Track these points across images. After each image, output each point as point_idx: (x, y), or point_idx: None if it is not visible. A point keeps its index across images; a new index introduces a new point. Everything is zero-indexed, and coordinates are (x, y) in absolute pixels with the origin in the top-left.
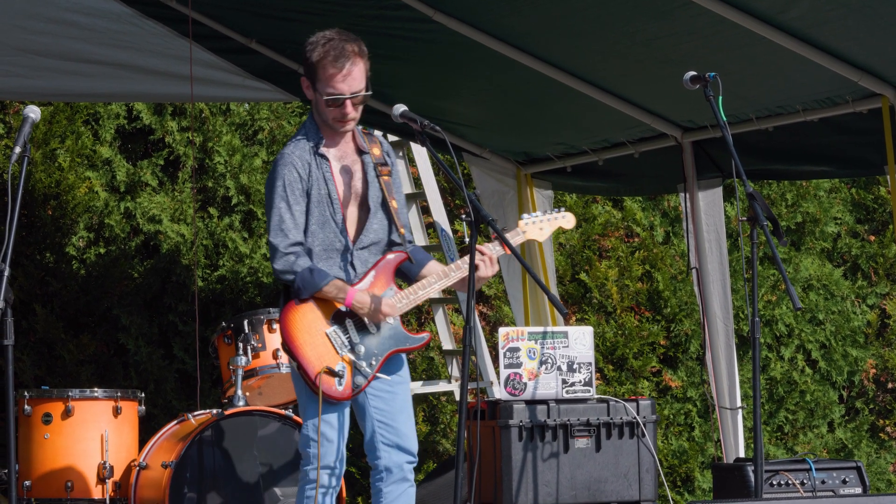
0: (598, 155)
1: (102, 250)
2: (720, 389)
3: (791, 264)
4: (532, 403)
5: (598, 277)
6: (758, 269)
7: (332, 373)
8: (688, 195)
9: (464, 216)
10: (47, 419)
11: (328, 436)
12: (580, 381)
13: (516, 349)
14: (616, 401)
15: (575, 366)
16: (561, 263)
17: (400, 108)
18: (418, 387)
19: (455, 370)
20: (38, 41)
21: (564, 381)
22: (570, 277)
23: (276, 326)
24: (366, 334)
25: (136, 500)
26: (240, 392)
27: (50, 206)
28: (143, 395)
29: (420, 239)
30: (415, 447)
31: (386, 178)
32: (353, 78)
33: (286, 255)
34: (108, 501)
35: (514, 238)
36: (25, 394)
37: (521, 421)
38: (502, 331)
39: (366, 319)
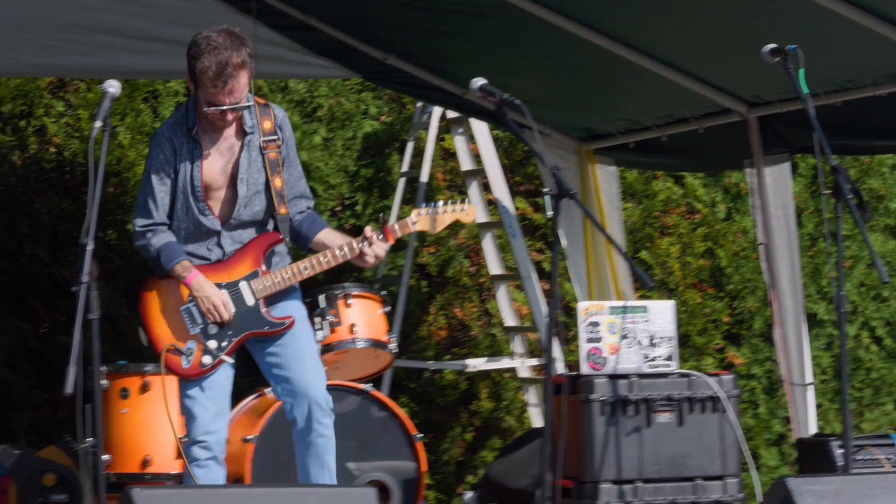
0: (662, 131)
1: None
2: (790, 366)
3: (856, 241)
4: (614, 378)
5: (660, 255)
6: (821, 247)
7: (177, 351)
8: (754, 171)
9: (546, 190)
10: (124, 394)
11: (192, 411)
12: (661, 356)
13: (596, 324)
14: (698, 375)
15: (656, 340)
16: (623, 241)
17: (478, 81)
18: (481, 363)
19: (517, 346)
20: (99, 18)
21: (646, 356)
22: (631, 254)
23: (351, 302)
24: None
25: None
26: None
27: (111, 183)
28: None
29: (481, 216)
30: (314, 392)
31: (273, 153)
32: (234, 92)
33: (143, 233)
34: (184, 476)
35: (402, 228)
36: (102, 368)
37: (602, 395)
38: (582, 305)
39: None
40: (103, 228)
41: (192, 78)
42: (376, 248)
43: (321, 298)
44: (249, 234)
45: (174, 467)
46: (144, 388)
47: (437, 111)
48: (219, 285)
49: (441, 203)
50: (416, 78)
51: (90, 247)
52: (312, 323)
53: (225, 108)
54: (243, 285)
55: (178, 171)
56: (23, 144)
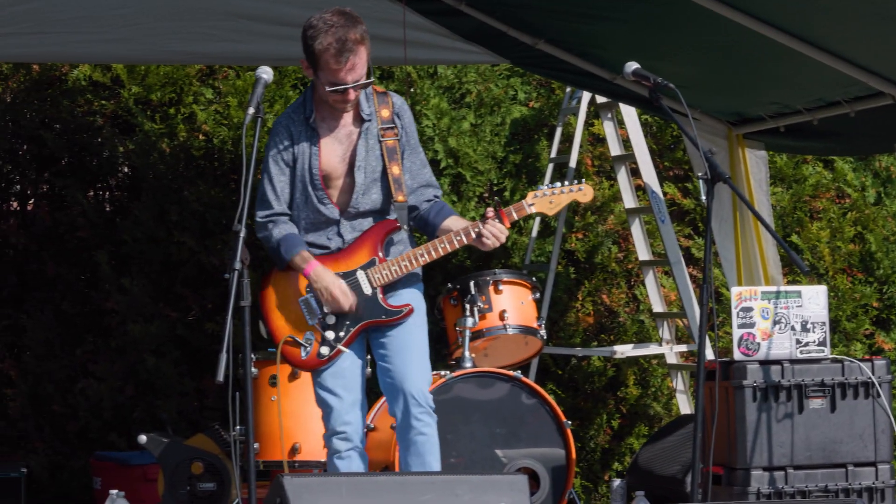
0: (813, 114)
1: None
2: None
3: None
4: (766, 364)
5: (810, 239)
6: None
7: (295, 342)
8: None
9: (700, 175)
10: (273, 381)
11: (328, 402)
12: (814, 341)
13: (749, 309)
14: (851, 361)
15: (809, 325)
16: (773, 225)
17: (632, 65)
18: (629, 350)
19: (665, 333)
20: (249, 6)
21: (798, 341)
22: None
23: (502, 288)
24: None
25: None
26: (467, 353)
27: (260, 170)
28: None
29: (629, 201)
30: (413, 389)
31: (390, 142)
32: (355, 69)
33: (265, 223)
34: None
35: (518, 211)
36: (252, 356)
37: (755, 381)
38: (735, 290)
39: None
40: (251, 216)
41: (310, 62)
42: (491, 228)
43: (471, 285)
44: (368, 222)
45: (323, 455)
46: (294, 376)
47: (586, 96)
48: (336, 275)
49: (557, 184)
50: (565, 63)
51: (242, 233)
52: (462, 309)
53: (348, 86)
54: (360, 274)
55: (297, 160)
56: (172, 132)
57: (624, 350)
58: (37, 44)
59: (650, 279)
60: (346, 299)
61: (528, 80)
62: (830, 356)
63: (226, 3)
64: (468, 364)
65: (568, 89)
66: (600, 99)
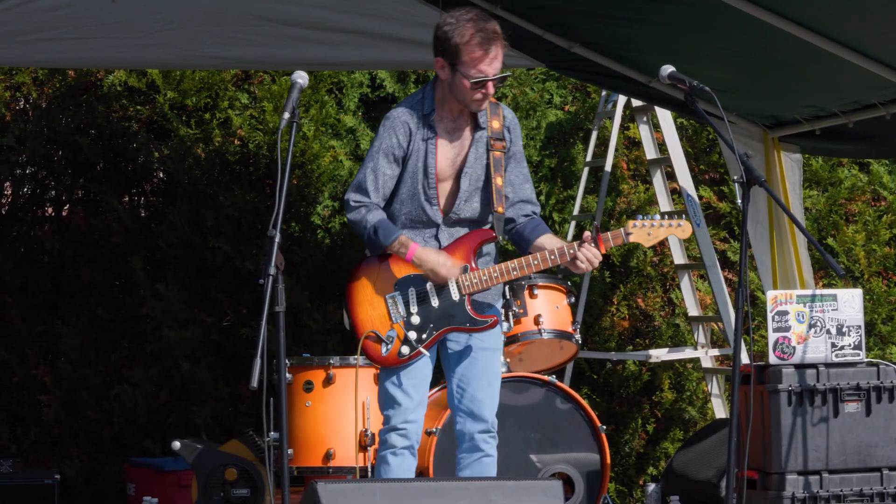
0: (849, 117)
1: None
2: None
3: None
4: (801, 367)
5: (846, 242)
6: None
7: (378, 338)
8: None
9: (736, 178)
10: (308, 387)
11: (396, 397)
12: (849, 345)
13: (785, 312)
14: (886, 364)
15: (844, 329)
16: (808, 228)
17: (668, 69)
18: (664, 354)
19: (700, 336)
20: (284, 10)
21: (833, 345)
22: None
23: (537, 292)
24: (426, 306)
25: None
26: (502, 358)
27: (295, 175)
28: None
29: (665, 204)
30: (490, 416)
31: (497, 153)
32: (497, 59)
33: (357, 208)
34: (369, 469)
35: (614, 238)
36: (287, 362)
37: (790, 385)
38: (771, 294)
39: (429, 289)
40: (287, 221)
41: (449, 57)
42: (586, 252)
43: (506, 289)
44: (464, 231)
45: (357, 461)
46: (328, 381)
47: (621, 100)
48: (426, 277)
49: (658, 216)
50: (600, 66)
51: (277, 238)
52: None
53: (489, 78)
54: (451, 282)
55: (411, 156)
56: (207, 137)
57: (659, 354)
58: (72, 49)
59: (685, 283)
60: (453, 272)
61: (563, 84)
62: (866, 360)
63: (260, 8)
64: (503, 369)
65: (603, 93)
66: (636, 102)
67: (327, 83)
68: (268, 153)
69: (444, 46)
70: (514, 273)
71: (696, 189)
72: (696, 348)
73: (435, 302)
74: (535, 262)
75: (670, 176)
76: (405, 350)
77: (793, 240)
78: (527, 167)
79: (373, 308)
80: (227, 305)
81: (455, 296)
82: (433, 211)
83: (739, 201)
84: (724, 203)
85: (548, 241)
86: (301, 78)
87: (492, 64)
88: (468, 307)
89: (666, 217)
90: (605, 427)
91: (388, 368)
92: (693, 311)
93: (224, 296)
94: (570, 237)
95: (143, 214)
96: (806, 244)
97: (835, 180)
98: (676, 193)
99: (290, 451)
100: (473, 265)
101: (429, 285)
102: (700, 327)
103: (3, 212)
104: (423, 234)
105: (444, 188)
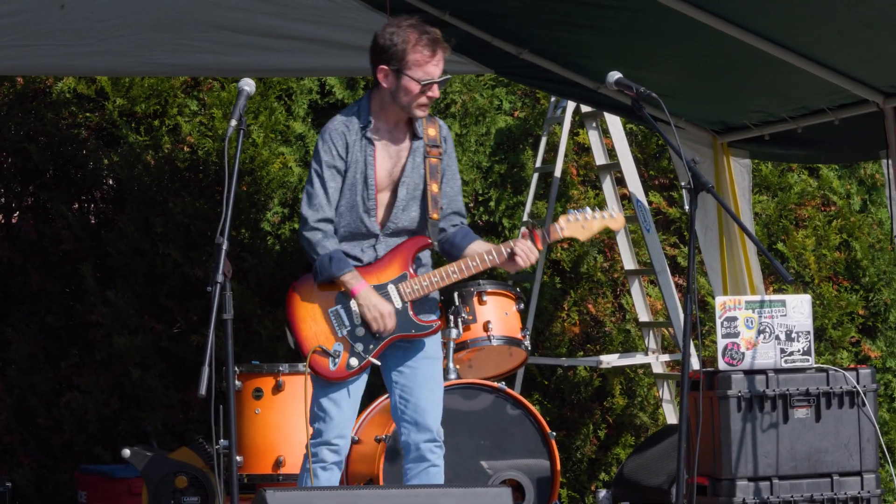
0: (797, 122)
1: (297, 226)
2: None
3: None
4: (750, 373)
5: (796, 247)
6: None
7: (325, 353)
8: (891, 162)
9: (684, 184)
10: (258, 394)
11: (330, 412)
12: (799, 350)
13: (734, 318)
14: (836, 370)
15: (793, 335)
16: (757, 233)
17: (615, 75)
18: (615, 359)
19: (651, 342)
20: (232, 17)
21: (783, 351)
22: (766, 247)
23: (486, 299)
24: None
25: (349, 475)
26: (451, 365)
27: (245, 181)
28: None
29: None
30: (434, 425)
31: (434, 159)
32: (442, 63)
33: (314, 230)
34: (302, 477)
35: (551, 233)
36: (236, 369)
37: (739, 391)
38: (719, 300)
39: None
40: (237, 227)
41: (395, 62)
42: (522, 246)
43: (455, 296)
44: (401, 241)
45: None
46: (278, 389)
47: (570, 106)
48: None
49: (589, 209)
50: (550, 73)
51: (225, 246)
52: (446, 321)
53: (438, 80)
54: (391, 288)
55: (349, 168)
56: (156, 144)
57: (610, 360)
58: (21, 56)
59: (636, 288)
60: (392, 321)
61: (512, 90)
62: (815, 365)
63: (210, 15)
64: (452, 375)
65: (553, 99)
66: (585, 108)
67: (276, 90)
68: (217, 160)
69: (389, 53)
70: (454, 276)
71: (646, 194)
72: (646, 354)
73: None
74: (474, 264)
75: (620, 181)
76: (354, 362)
77: (742, 245)
78: (460, 181)
79: (316, 324)
80: (177, 312)
81: (398, 304)
82: (371, 222)
83: (687, 207)
84: (674, 208)
85: (480, 246)
86: (248, 85)
87: (438, 65)
88: (411, 313)
89: (597, 209)
90: (554, 433)
91: (328, 383)
92: (644, 316)
93: (174, 303)
94: None
95: (92, 221)
96: (756, 250)
97: (784, 185)
98: (626, 199)
99: (240, 458)
100: (412, 272)
101: None
102: (651, 333)
103: None
104: (361, 245)
105: (383, 199)
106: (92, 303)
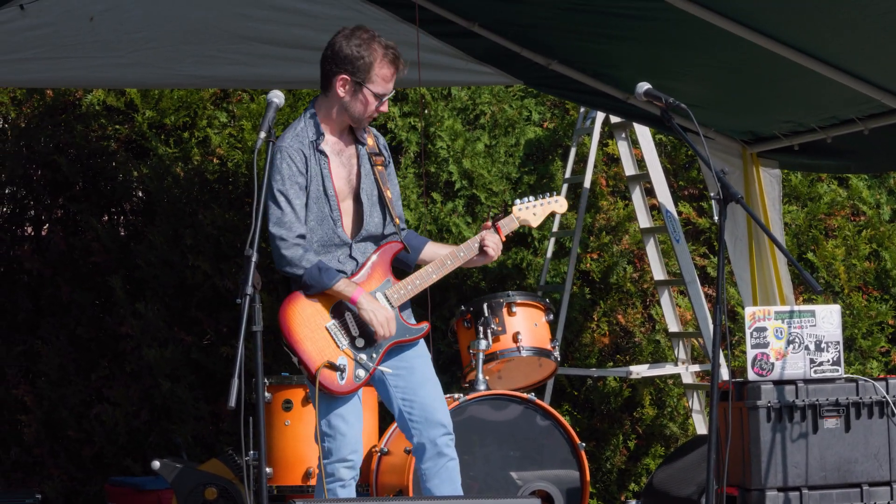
0: (827, 132)
1: None
2: None
3: None
4: (780, 384)
5: (825, 257)
6: None
7: (332, 367)
8: None
9: (713, 195)
10: (287, 406)
11: (340, 429)
12: (828, 361)
13: (763, 329)
14: (865, 380)
15: (823, 345)
16: (787, 244)
17: (644, 85)
18: (644, 370)
19: (681, 352)
20: (262, 29)
21: (812, 361)
22: (796, 257)
23: (515, 310)
24: (366, 327)
25: (378, 486)
26: (481, 376)
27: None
28: None
29: (644, 220)
30: (445, 418)
31: (380, 167)
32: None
33: (295, 246)
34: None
35: (509, 224)
36: (266, 380)
37: (769, 402)
38: (749, 310)
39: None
40: (266, 240)
41: (359, 75)
42: (491, 238)
43: (485, 307)
44: (371, 246)
45: None
46: (308, 400)
47: (600, 116)
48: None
49: (533, 197)
50: (579, 83)
51: (254, 258)
52: (475, 332)
53: (391, 94)
54: (379, 295)
55: (311, 182)
56: (186, 156)
57: (640, 370)
58: (50, 69)
59: (665, 299)
60: (394, 325)
61: (542, 101)
62: (845, 376)
63: (239, 27)
64: (482, 387)
65: (582, 109)
66: (614, 119)
67: (305, 101)
68: (247, 171)
69: (354, 64)
70: (435, 277)
71: (676, 205)
72: (676, 364)
73: None
74: (451, 262)
75: (649, 192)
76: (361, 373)
77: (772, 255)
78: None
79: (316, 340)
80: (207, 324)
81: (389, 309)
82: (340, 231)
83: (717, 218)
84: (703, 219)
85: (437, 246)
86: (277, 97)
87: (393, 81)
88: (402, 318)
89: (544, 195)
90: (584, 444)
91: (334, 400)
92: (673, 326)
93: (204, 314)
94: (549, 253)
95: (122, 233)
96: (786, 260)
97: (814, 195)
98: (655, 209)
99: (269, 469)
100: (394, 277)
101: None
102: (680, 343)
103: None
104: (337, 255)
105: (346, 207)
106: (122, 315)
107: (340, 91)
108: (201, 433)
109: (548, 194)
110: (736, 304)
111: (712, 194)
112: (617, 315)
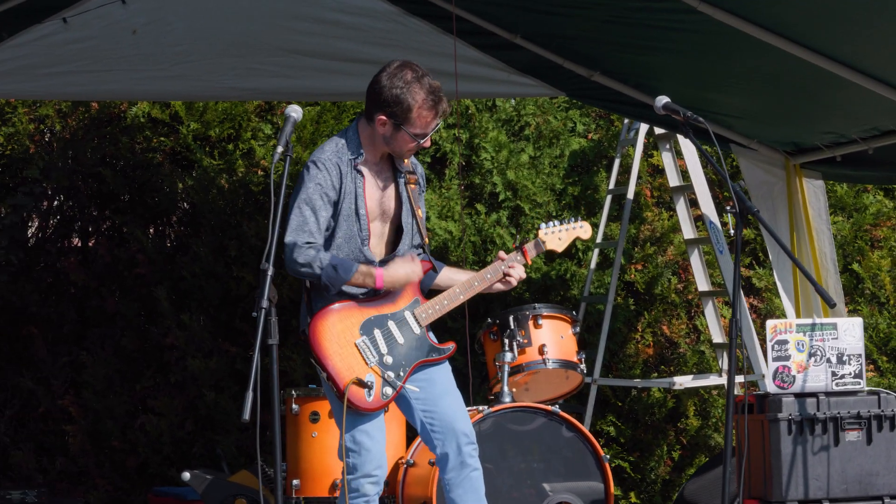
0: (868, 143)
1: None
2: None
3: None
4: (801, 396)
5: (871, 268)
6: None
7: (361, 383)
8: None
9: (729, 208)
10: (315, 418)
11: (365, 445)
12: (850, 374)
13: (784, 342)
14: (887, 393)
15: (844, 357)
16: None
17: (662, 99)
18: (688, 381)
19: (725, 364)
20: (305, 41)
21: (834, 374)
22: (842, 268)
23: (541, 322)
24: (394, 345)
25: (404, 498)
26: (506, 388)
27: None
28: None
29: (688, 232)
30: (468, 427)
31: (412, 185)
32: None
33: (307, 249)
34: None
35: (535, 248)
36: (293, 392)
37: (790, 414)
38: (770, 323)
39: (391, 328)
40: (282, 243)
41: (398, 116)
42: (518, 271)
43: (511, 319)
44: None
45: None
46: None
47: (643, 127)
48: (385, 316)
49: (558, 222)
50: (621, 94)
51: (270, 272)
52: (501, 344)
53: (431, 132)
54: (408, 314)
55: (343, 199)
56: (230, 168)
57: (684, 381)
58: (95, 82)
59: (710, 310)
60: (418, 267)
61: (586, 112)
62: (866, 388)
63: (281, 39)
64: (507, 399)
65: (626, 121)
66: (658, 130)
67: (350, 113)
68: (290, 183)
69: (395, 108)
70: (462, 298)
71: (720, 216)
72: (720, 375)
73: (400, 339)
74: (478, 284)
75: (693, 203)
76: (388, 391)
77: (815, 266)
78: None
79: (345, 357)
80: (251, 335)
81: (416, 329)
82: (367, 251)
83: (732, 231)
84: (748, 230)
85: (454, 272)
86: (295, 112)
87: (436, 121)
88: (429, 337)
89: (569, 220)
90: (608, 456)
91: (359, 416)
92: (717, 337)
93: (248, 325)
94: (593, 265)
95: (168, 245)
96: (833, 270)
97: (860, 206)
98: (700, 220)
99: (297, 481)
100: (422, 297)
101: (391, 324)
102: (724, 354)
103: (30, 243)
104: None
105: (375, 228)
106: (167, 326)
107: (380, 129)
108: (244, 444)
109: (573, 219)
110: (781, 315)
111: (728, 208)
112: (661, 326)
